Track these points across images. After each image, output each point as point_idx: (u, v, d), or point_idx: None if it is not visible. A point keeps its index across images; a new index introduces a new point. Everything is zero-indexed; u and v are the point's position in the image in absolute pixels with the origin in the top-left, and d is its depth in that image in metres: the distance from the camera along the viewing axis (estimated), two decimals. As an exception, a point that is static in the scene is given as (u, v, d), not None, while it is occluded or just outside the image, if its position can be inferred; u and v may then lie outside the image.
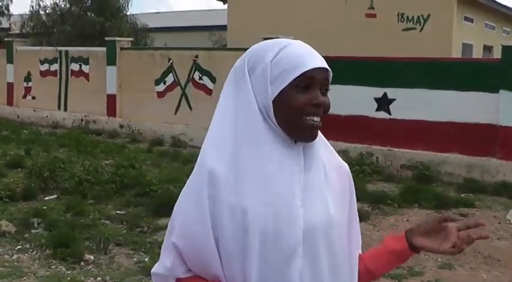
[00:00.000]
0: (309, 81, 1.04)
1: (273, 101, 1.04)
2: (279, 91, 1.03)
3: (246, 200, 1.01)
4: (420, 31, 11.29)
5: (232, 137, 1.04)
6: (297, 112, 1.04)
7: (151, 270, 1.11)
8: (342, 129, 7.76)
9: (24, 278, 3.73)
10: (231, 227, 1.01)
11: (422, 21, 11.28)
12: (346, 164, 1.17)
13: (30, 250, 4.22)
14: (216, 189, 1.02)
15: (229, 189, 1.02)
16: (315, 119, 1.05)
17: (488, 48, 13.73)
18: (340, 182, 1.13)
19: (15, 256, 4.12)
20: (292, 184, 1.04)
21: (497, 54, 10.62)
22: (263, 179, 1.02)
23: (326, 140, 1.15)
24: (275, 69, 1.04)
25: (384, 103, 7.53)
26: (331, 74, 1.07)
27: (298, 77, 1.03)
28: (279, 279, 1.02)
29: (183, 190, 1.08)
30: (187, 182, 1.08)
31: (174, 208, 1.08)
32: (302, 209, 1.03)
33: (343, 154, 7.71)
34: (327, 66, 1.06)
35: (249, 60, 1.08)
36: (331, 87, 1.08)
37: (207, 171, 1.02)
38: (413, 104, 7.23)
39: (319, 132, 1.10)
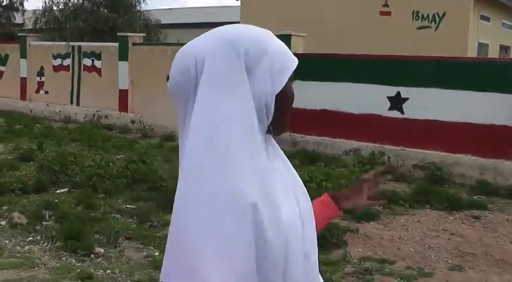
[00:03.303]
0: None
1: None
2: (284, 84, 0.96)
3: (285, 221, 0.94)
4: (435, 30, 11.17)
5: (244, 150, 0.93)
6: (292, 104, 1.02)
7: None
8: (354, 127, 7.72)
9: (35, 268, 3.76)
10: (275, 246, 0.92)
11: (437, 20, 11.16)
12: None
13: (41, 242, 4.26)
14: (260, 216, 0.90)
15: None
16: None
17: (504, 48, 13.54)
18: None
19: (26, 247, 4.16)
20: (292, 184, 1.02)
21: (513, 54, 10.48)
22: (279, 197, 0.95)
23: None
24: (278, 61, 0.96)
25: (396, 102, 7.46)
26: None
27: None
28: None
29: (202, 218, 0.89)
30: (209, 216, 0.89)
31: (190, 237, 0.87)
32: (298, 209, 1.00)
33: (355, 152, 7.68)
34: None
35: (248, 54, 0.92)
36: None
37: (250, 204, 0.89)
38: (427, 103, 7.15)
39: None
